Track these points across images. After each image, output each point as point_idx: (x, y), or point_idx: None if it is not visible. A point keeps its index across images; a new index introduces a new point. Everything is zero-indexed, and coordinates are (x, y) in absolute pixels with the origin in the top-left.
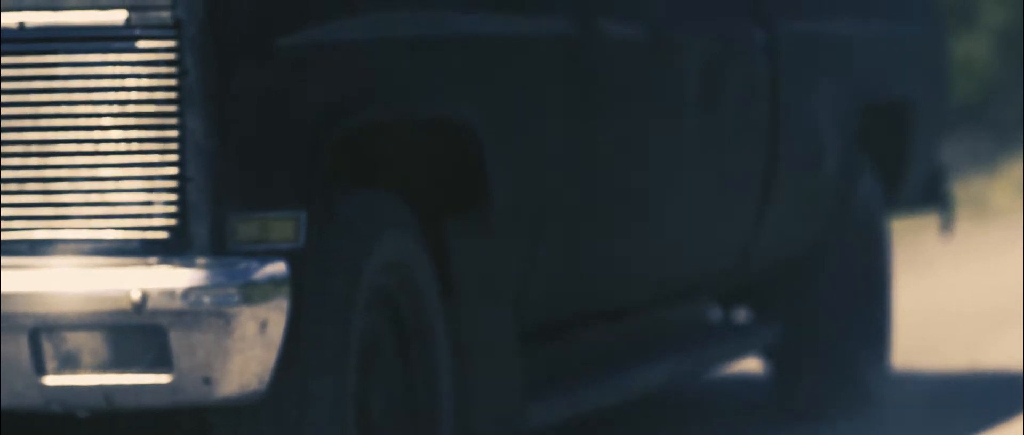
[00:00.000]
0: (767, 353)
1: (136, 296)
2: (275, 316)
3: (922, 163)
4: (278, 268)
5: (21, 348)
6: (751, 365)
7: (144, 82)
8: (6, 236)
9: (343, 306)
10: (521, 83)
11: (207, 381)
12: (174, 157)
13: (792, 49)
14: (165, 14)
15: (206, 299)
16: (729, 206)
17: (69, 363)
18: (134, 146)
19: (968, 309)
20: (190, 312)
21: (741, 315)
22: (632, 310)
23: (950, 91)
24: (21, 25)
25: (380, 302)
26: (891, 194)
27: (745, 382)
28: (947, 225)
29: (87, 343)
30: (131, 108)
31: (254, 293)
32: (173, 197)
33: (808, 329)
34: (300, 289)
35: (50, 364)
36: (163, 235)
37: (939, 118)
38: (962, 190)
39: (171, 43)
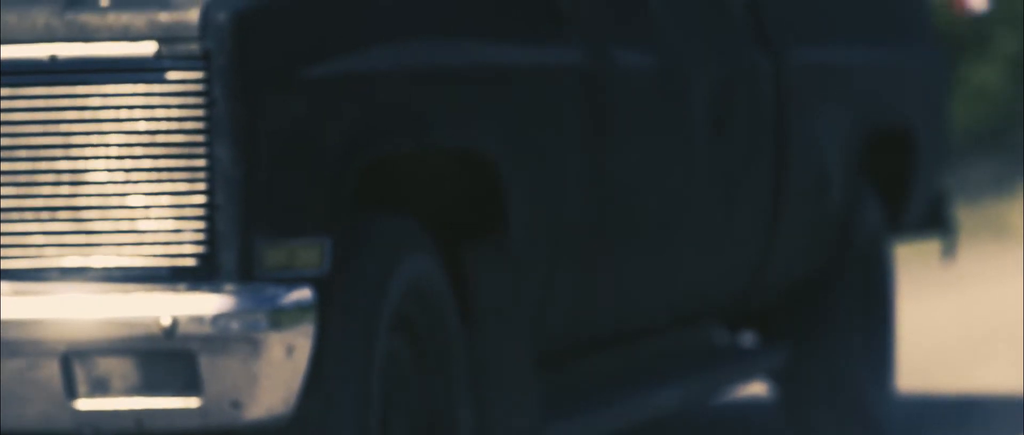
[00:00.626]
0: (773, 376)
1: (166, 322)
2: (301, 341)
3: (924, 189)
4: (304, 294)
5: (53, 373)
6: (757, 389)
7: (173, 112)
8: (38, 263)
9: (367, 330)
10: (538, 113)
11: (236, 405)
12: (203, 186)
13: (797, 77)
14: (194, 46)
15: (235, 325)
16: (738, 232)
17: (100, 387)
18: (164, 175)
19: (980, 330)
20: (219, 337)
21: (746, 339)
22: (645, 334)
23: (952, 118)
24: (53, 57)
25: (402, 326)
26: (894, 220)
27: (752, 405)
28: (949, 251)
29: (118, 368)
30: (161, 138)
31: (281, 318)
32: (202, 225)
33: (814, 352)
34: (325, 314)
35: (82, 388)
36: (192, 262)
37: (941, 145)
38: (982, 214)
39: (200, 74)
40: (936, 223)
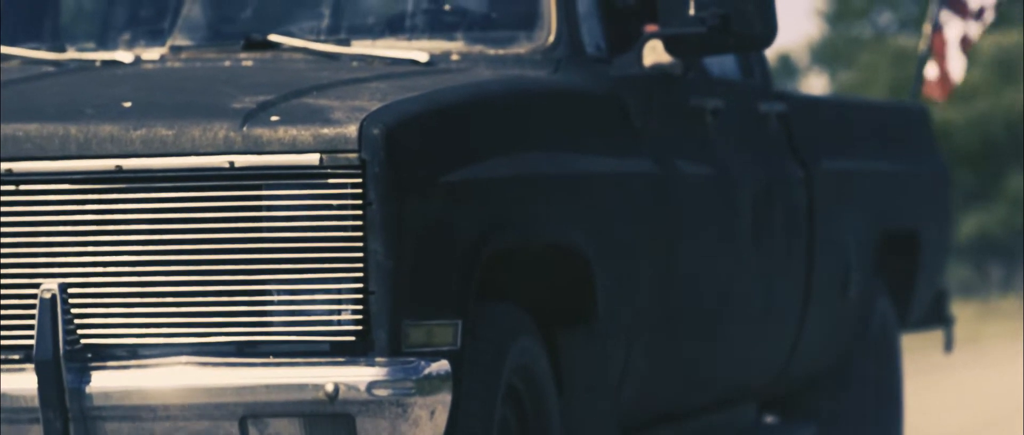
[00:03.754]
0: None
1: (330, 389)
2: (441, 406)
3: (928, 287)
4: (443, 366)
5: (233, 433)
6: None
7: (334, 212)
8: (218, 339)
9: (487, 400)
10: (618, 212)
11: None
12: (359, 274)
13: (824, 184)
14: (352, 155)
15: (387, 392)
16: (774, 322)
17: None
18: (325, 265)
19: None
20: (374, 402)
21: (768, 419)
22: (696, 412)
23: (953, 224)
24: (231, 164)
25: (511, 397)
26: (901, 314)
27: None
28: (950, 344)
29: (287, 429)
30: (323, 233)
31: (425, 387)
32: (358, 307)
33: (834, 432)
34: (457, 384)
35: None
36: (350, 339)
37: (943, 247)
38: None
39: (357, 180)
40: (937, 318)
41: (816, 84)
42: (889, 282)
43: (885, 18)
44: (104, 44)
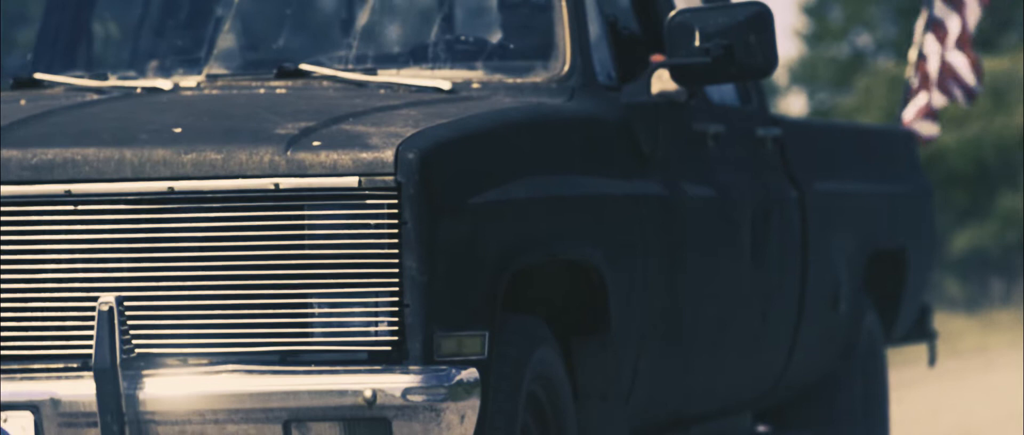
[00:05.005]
0: None
1: (368, 394)
2: (470, 411)
3: (914, 303)
4: (472, 373)
5: None
6: None
7: (371, 231)
8: (263, 348)
9: (510, 405)
10: (629, 232)
11: None
12: (395, 288)
13: (816, 205)
14: (389, 178)
15: (421, 397)
16: (770, 335)
17: None
18: (363, 279)
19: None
20: (409, 407)
21: (761, 428)
22: (698, 420)
23: (938, 243)
24: (276, 186)
25: (531, 403)
26: (887, 329)
27: None
28: (933, 358)
29: (328, 432)
30: (361, 250)
31: (456, 393)
32: (394, 319)
33: None
34: (484, 391)
35: None
36: (387, 348)
37: (928, 265)
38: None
39: (393, 201)
40: (921, 333)
41: (795, 104)
42: (876, 298)
43: (863, 39)
44: (142, 72)
